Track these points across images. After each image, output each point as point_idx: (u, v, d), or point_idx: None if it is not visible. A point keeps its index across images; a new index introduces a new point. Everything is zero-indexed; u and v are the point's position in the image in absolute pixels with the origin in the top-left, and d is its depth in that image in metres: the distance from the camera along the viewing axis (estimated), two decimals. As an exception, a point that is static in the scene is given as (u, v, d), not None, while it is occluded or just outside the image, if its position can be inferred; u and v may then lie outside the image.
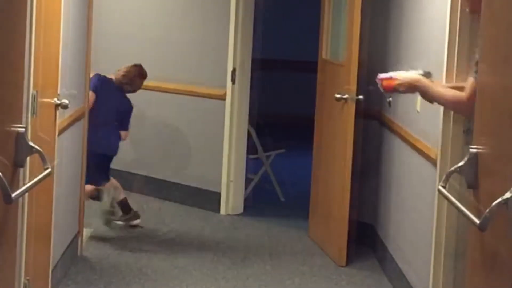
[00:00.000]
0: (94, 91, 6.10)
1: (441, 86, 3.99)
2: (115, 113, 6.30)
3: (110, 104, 6.26)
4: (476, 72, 3.54)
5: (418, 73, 4.02)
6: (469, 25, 4.13)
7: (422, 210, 4.78)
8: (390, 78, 4.08)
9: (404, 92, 4.10)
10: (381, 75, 4.14)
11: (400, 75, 4.05)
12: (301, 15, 11.62)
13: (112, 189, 6.23)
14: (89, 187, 6.13)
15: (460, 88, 3.81)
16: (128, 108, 6.39)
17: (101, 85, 6.22)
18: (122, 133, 6.39)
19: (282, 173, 8.10)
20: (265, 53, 10.77)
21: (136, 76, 6.34)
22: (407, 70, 4.15)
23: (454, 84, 4.12)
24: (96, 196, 6.22)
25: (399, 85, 4.03)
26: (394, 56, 5.77)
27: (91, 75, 6.03)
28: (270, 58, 11.54)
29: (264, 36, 10.17)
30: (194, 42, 7.30)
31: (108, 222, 6.26)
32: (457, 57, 4.21)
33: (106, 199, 6.20)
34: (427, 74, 4.03)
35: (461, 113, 3.96)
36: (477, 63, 3.49)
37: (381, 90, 4.13)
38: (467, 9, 3.93)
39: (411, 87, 3.99)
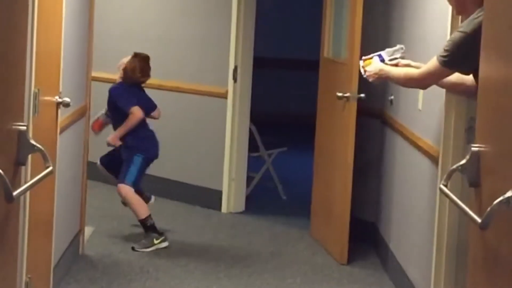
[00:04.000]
0: (139, 105, 6.03)
1: (405, 66, 4.29)
2: (146, 111, 6.23)
3: (148, 107, 6.22)
4: (442, 56, 3.68)
5: (395, 49, 4.37)
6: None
7: (423, 209, 4.77)
8: (371, 59, 4.39)
9: (374, 82, 4.40)
10: (364, 57, 4.44)
11: (370, 67, 4.34)
12: (303, 13, 11.62)
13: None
14: (144, 208, 6.02)
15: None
16: (148, 98, 6.33)
17: (134, 94, 6.11)
18: (155, 113, 6.30)
19: (283, 171, 8.10)
20: (267, 51, 10.78)
21: (143, 64, 6.24)
22: (383, 49, 4.42)
23: (418, 64, 4.28)
24: (145, 226, 6.01)
25: (368, 76, 4.35)
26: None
27: (94, 74, 5.99)
28: (272, 56, 11.56)
29: (266, 34, 10.18)
30: (196, 40, 7.30)
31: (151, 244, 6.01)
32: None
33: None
34: (402, 49, 4.38)
35: (416, 87, 4.41)
36: (446, 51, 3.73)
37: (362, 72, 4.41)
38: (454, 11, 3.97)
39: (378, 77, 4.30)
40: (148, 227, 5.99)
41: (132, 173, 5.99)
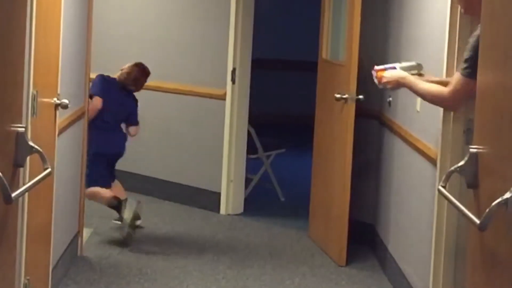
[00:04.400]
0: (101, 95, 6.09)
1: (425, 81, 4.14)
2: (121, 112, 6.29)
3: (116, 104, 6.24)
4: (463, 69, 3.64)
5: (411, 65, 4.27)
6: (470, 24, 4.13)
7: (422, 210, 4.77)
8: (384, 70, 4.31)
9: (392, 89, 4.34)
10: (377, 67, 4.35)
11: (388, 73, 4.25)
12: (301, 15, 11.63)
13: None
14: (106, 193, 6.08)
15: (446, 83, 3.95)
16: (133, 104, 6.37)
17: (106, 87, 6.20)
18: (132, 128, 6.35)
19: (282, 173, 8.10)
20: (265, 53, 10.79)
21: (139, 75, 6.32)
22: (400, 62, 4.30)
23: (440, 79, 4.20)
24: (115, 206, 6.05)
25: (386, 82, 4.25)
26: (394, 55, 5.76)
27: (92, 75, 6.02)
28: (270, 58, 11.56)
29: (264, 36, 10.17)
30: (194, 42, 7.30)
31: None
32: (457, 56, 4.21)
33: (127, 212, 5.96)
34: (419, 66, 4.27)
35: (443, 107, 4.16)
36: (466, 60, 3.60)
37: (376, 81, 4.33)
38: (462, 10, 3.95)
39: (398, 84, 4.21)
40: (115, 207, 6.06)
41: (88, 174, 6.02)
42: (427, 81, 4.14)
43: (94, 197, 6.17)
